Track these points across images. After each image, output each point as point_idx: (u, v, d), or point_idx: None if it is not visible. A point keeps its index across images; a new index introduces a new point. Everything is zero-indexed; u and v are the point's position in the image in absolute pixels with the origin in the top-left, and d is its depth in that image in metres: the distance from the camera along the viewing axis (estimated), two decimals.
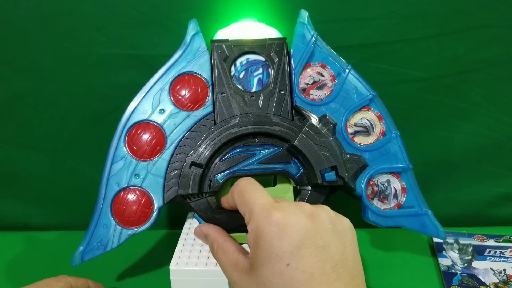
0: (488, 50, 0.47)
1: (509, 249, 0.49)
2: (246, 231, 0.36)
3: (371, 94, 0.40)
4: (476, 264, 0.47)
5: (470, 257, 0.48)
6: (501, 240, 0.50)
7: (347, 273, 0.25)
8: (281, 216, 0.25)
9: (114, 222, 0.38)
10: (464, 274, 0.45)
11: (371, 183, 0.40)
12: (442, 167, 0.53)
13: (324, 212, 0.27)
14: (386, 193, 0.41)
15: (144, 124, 0.39)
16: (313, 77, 0.40)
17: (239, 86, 0.40)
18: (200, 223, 0.38)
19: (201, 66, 0.40)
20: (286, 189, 0.41)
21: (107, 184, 0.38)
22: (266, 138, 0.39)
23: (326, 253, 0.25)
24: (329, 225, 0.26)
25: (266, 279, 0.24)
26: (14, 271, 0.49)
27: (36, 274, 0.39)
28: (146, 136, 0.39)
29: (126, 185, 0.38)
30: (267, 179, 0.41)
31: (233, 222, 0.36)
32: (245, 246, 0.31)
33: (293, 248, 0.24)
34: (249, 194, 0.28)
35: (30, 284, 0.36)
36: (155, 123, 0.39)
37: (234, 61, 0.40)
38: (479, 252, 0.49)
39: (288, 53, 0.40)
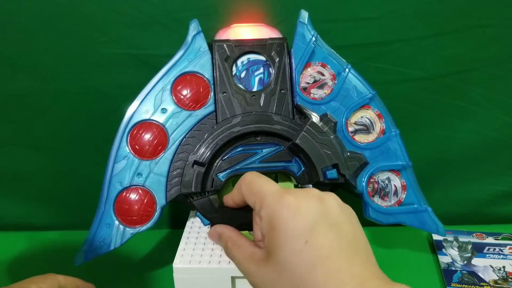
0: (487, 50, 0.48)
1: (508, 247, 0.49)
2: (249, 229, 0.36)
3: (371, 93, 0.41)
4: (475, 261, 0.47)
5: (469, 255, 0.48)
6: (500, 238, 0.51)
7: (363, 251, 0.25)
8: (293, 198, 0.26)
9: (117, 221, 0.39)
10: (464, 271, 0.46)
11: (371, 180, 0.41)
12: (442, 165, 0.54)
13: (331, 196, 0.27)
14: (387, 190, 0.41)
15: (146, 124, 0.39)
16: (314, 76, 0.41)
17: (241, 86, 0.40)
18: (202, 222, 0.38)
19: (203, 66, 0.40)
20: (287, 187, 0.41)
21: (109, 183, 0.39)
22: (267, 137, 0.39)
23: (339, 231, 0.25)
24: (337, 207, 0.27)
25: (285, 260, 0.24)
26: (15, 271, 0.49)
27: (38, 274, 0.39)
28: (148, 136, 0.39)
29: (129, 185, 0.39)
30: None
31: (236, 220, 0.36)
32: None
33: (309, 226, 0.24)
34: (258, 184, 0.29)
35: (17, 282, 0.35)
36: (157, 123, 0.39)
37: (235, 61, 0.40)
38: (479, 250, 0.49)
39: (289, 53, 0.41)
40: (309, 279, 0.23)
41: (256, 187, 0.29)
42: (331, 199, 0.27)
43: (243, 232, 0.35)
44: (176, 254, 0.39)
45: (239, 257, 0.29)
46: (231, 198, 0.33)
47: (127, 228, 0.39)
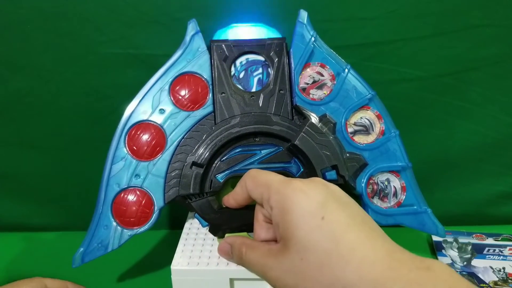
0: (486, 49, 0.48)
1: (508, 248, 0.49)
2: (248, 231, 0.36)
3: (370, 93, 0.41)
4: (475, 262, 0.47)
5: (469, 256, 0.48)
6: (500, 239, 0.50)
7: (378, 229, 0.25)
8: (300, 183, 0.26)
9: (115, 223, 0.38)
10: (464, 273, 0.46)
11: (371, 181, 0.41)
12: (441, 166, 0.53)
13: (334, 185, 0.28)
14: (386, 191, 0.41)
15: (144, 125, 0.39)
16: (313, 77, 0.41)
17: (239, 86, 0.40)
18: (201, 223, 0.38)
19: (201, 66, 0.40)
20: None
21: (107, 184, 0.38)
22: (266, 138, 0.39)
23: (351, 209, 0.25)
24: (342, 192, 0.27)
25: (305, 239, 0.24)
26: (13, 272, 0.49)
27: (35, 275, 0.39)
28: (146, 137, 0.39)
29: (127, 186, 0.38)
30: None
31: (235, 221, 0.36)
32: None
33: (322, 204, 0.25)
34: (263, 176, 0.29)
35: (3, 286, 0.35)
36: (155, 123, 0.39)
37: (234, 61, 0.40)
38: (478, 251, 0.49)
39: (288, 53, 0.40)
40: (334, 253, 0.23)
41: (261, 179, 0.29)
42: (335, 185, 0.27)
43: (242, 233, 0.35)
44: (174, 256, 0.39)
45: (256, 257, 0.28)
46: (232, 197, 0.32)
47: (125, 230, 0.38)
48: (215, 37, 0.42)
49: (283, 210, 0.26)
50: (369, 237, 0.23)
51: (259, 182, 0.29)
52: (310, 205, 0.25)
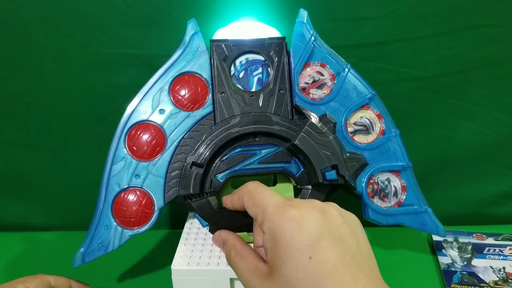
0: (486, 49, 0.48)
1: (508, 247, 0.49)
2: (248, 231, 0.36)
3: (371, 93, 0.41)
4: (475, 262, 0.47)
5: (469, 255, 0.48)
6: (500, 239, 0.50)
7: (366, 264, 0.25)
8: (296, 211, 0.26)
9: (115, 223, 0.38)
10: (464, 272, 0.46)
11: (371, 181, 0.41)
12: (442, 165, 0.53)
13: (333, 207, 0.27)
14: (386, 191, 0.41)
15: (144, 125, 0.39)
16: (313, 76, 0.41)
17: (239, 86, 0.40)
18: (201, 223, 0.38)
19: (201, 66, 0.40)
20: (286, 188, 0.41)
21: (107, 185, 0.38)
22: (266, 138, 0.39)
23: (343, 244, 0.25)
24: (340, 219, 0.26)
25: (290, 276, 0.24)
26: (13, 272, 0.49)
27: (35, 274, 0.39)
28: (146, 137, 0.39)
29: (127, 186, 0.38)
30: (267, 179, 0.42)
31: (235, 221, 0.36)
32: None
33: (312, 241, 0.24)
34: (260, 195, 0.28)
35: (7, 282, 0.35)
36: (155, 124, 0.39)
37: (233, 61, 0.40)
38: (479, 250, 0.49)
39: (288, 53, 0.40)
40: None
41: (258, 198, 0.28)
42: (334, 210, 0.27)
43: (241, 234, 0.35)
44: (175, 256, 0.39)
45: (242, 268, 0.29)
46: (230, 202, 0.32)
47: (125, 230, 0.38)
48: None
49: (273, 240, 0.26)
50: (353, 278, 0.24)
51: (255, 202, 0.28)
52: (301, 241, 0.25)
